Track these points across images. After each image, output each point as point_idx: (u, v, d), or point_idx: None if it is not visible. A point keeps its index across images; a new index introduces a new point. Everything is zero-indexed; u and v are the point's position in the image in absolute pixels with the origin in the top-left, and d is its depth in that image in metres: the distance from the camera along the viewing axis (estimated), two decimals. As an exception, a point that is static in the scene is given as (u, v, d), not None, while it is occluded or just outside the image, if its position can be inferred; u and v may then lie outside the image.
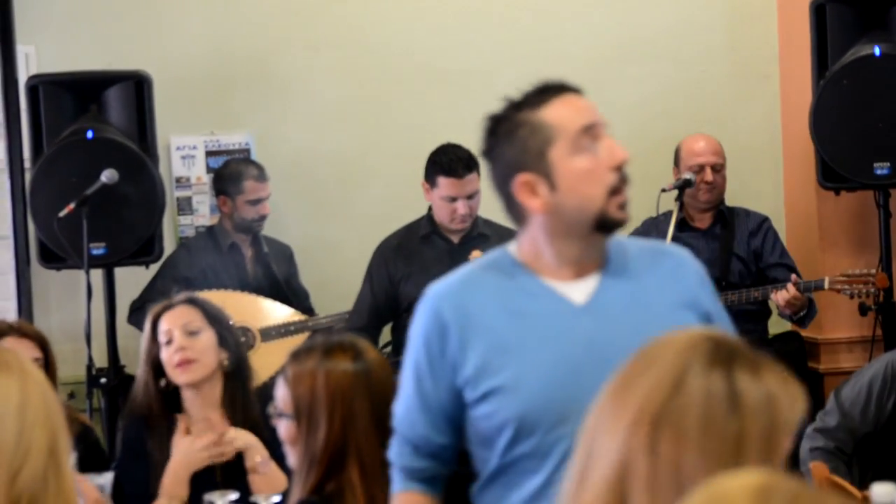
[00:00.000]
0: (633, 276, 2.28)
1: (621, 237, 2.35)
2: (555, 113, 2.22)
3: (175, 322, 3.28)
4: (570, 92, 2.26)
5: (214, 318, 3.32)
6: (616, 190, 2.22)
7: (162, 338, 3.28)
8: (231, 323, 3.41)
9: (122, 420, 3.55)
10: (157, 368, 3.29)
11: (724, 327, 2.31)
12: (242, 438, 3.18)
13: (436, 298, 2.27)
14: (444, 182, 4.72)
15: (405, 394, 2.27)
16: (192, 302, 3.34)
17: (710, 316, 2.31)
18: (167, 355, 3.26)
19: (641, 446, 1.34)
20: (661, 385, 1.37)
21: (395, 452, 2.28)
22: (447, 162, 4.71)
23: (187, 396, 3.29)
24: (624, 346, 1.58)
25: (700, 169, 4.90)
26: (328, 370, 2.37)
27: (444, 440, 2.27)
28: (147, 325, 3.34)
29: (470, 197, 4.73)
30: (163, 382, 3.28)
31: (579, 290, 2.25)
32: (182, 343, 3.25)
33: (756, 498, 1.14)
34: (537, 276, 2.26)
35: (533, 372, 2.19)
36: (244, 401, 3.29)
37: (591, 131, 2.22)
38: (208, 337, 3.28)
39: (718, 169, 4.93)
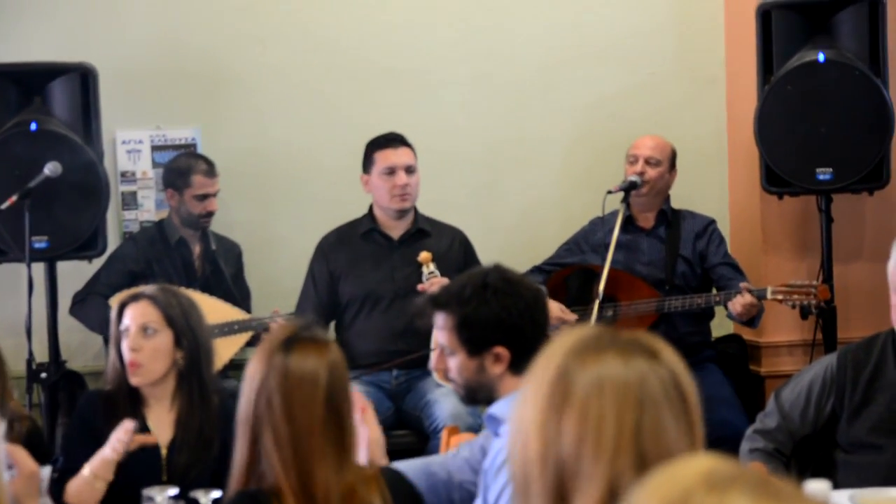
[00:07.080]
0: None
1: None
2: None
3: (134, 318, 3.27)
4: None
5: (173, 319, 3.27)
6: None
7: (122, 328, 3.29)
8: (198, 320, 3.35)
9: (80, 398, 3.60)
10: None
11: None
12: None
13: None
14: (380, 155, 4.74)
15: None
16: (154, 300, 3.29)
17: None
18: (123, 348, 3.27)
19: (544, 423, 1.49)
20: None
21: None
22: (382, 139, 4.77)
23: (143, 389, 3.31)
24: None
25: (634, 160, 4.93)
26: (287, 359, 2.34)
27: None
28: (114, 312, 3.32)
29: (409, 171, 4.72)
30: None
31: None
32: (134, 343, 3.25)
33: (706, 479, 1.14)
34: None
35: None
36: (198, 398, 3.27)
37: None
38: (162, 339, 3.26)
39: (653, 163, 4.94)
